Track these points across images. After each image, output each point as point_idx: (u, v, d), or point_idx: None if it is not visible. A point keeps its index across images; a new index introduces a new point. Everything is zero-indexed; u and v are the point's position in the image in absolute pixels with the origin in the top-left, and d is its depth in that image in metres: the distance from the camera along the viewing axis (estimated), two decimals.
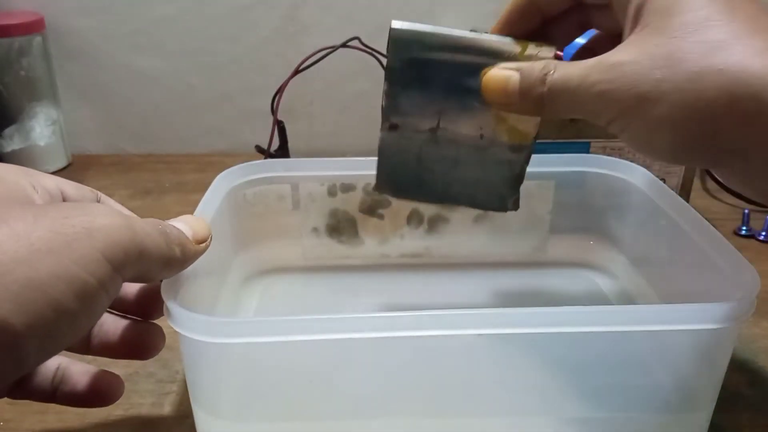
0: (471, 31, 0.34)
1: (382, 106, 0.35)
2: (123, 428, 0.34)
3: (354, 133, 0.70)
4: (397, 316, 0.27)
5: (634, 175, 0.41)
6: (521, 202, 0.37)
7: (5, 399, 0.35)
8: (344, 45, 0.59)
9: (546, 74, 0.28)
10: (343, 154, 0.71)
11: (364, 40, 0.58)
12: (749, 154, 0.24)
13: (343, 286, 0.44)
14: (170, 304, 0.27)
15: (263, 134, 0.57)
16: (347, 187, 0.42)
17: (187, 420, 0.32)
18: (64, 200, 0.26)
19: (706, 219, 0.35)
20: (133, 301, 0.30)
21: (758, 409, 0.36)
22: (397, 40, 0.34)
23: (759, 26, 0.24)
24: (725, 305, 0.28)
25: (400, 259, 0.45)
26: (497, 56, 0.32)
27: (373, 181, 0.41)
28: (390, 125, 0.35)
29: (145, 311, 0.30)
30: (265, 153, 0.60)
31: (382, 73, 0.61)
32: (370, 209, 0.43)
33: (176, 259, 0.26)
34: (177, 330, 0.27)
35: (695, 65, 0.24)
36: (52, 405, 0.34)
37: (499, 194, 0.37)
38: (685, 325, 0.29)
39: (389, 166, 0.37)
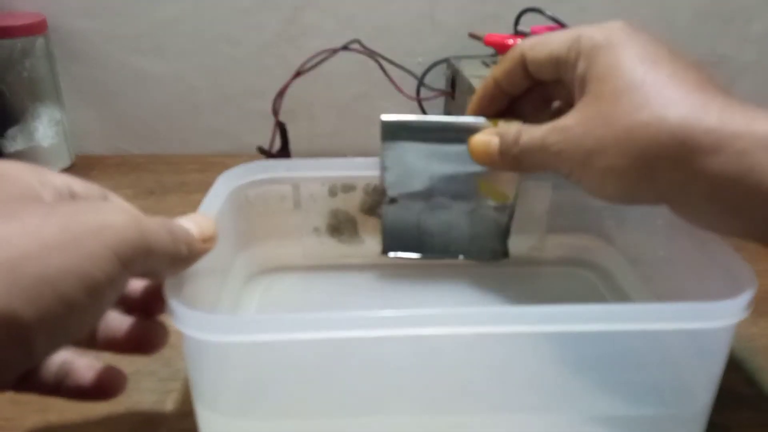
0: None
1: (382, 183, 0.41)
2: (125, 426, 0.34)
3: (354, 134, 0.71)
4: (397, 314, 0.28)
5: None
6: (520, 201, 0.42)
7: (7, 397, 0.35)
8: (345, 48, 0.59)
9: (518, 138, 0.33)
10: (344, 155, 0.71)
11: (364, 42, 0.58)
12: (687, 190, 0.28)
13: (343, 285, 0.44)
14: (173, 303, 0.27)
15: (265, 135, 0.57)
16: (348, 188, 0.43)
17: (189, 418, 0.33)
18: (72, 198, 0.27)
19: None
20: (137, 298, 0.30)
21: (757, 408, 0.36)
22: (387, 128, 0.40)
23: (678, 81, 0.28)
24: (723, 304, 0.28)
25: (399, 259, 0.45)
26: (473, 133, 0.38)
27: (373, 182, 0.42)
28: (390, 200, 0.42)
29: (149, 308, 0.30)
30: (266, 154, 0.60)
31: (381, 75, 0.62)
32: (371, 209, 0.43)
33: (182, 257, 0.27)
34: (179, 328, 0.27)
35: (627, 121, 0.28)
36: (54, 403, 0.35)
37: (491, 248, 0.43)
38: (682, 324, 0.29)
39: (393, 233, 0.43)
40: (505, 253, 0.43)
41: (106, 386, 0.29)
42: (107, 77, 0.67)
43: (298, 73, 0.58)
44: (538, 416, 0.32)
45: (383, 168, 0.41)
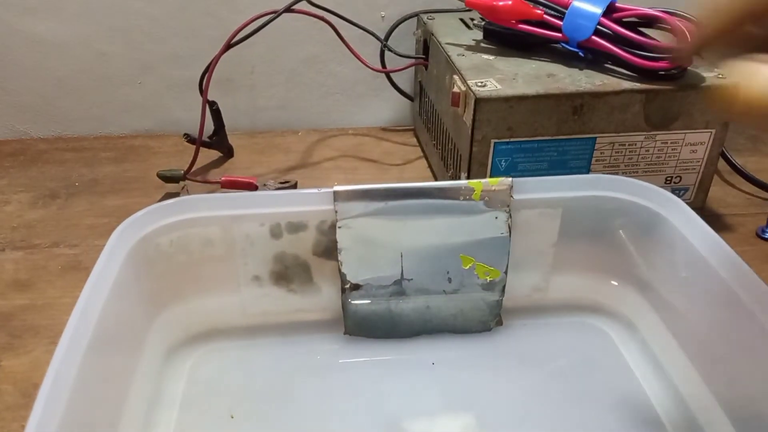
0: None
1: (339, 268, 0.34)
2: None
3: (305, 106, 0.59)
4: None
5: (665, 205, 0.33)
6: (522, 232, 0.35)
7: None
8: (288, 9, 0.47)
9: None
10: (296, 132, 0.60)
11: None
12: None
13: (297, 354, 0.34)
14: None
15: (195, 109, 0.46)
16: (296, 227, 0.33)
17: None
18: None
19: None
20: None
21: None
22: (341, 199, 0.32)
23: None
24: None
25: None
26: (451, 195, 0.32)
27: (329, 219, 0.32)
28: (352, 286, 0.34)
29: None
30: (195, 142, 0.49)
31: (333, 35, 0.50)
32: (327, 251, 0.33)
33: None
34: None
35: None
36: None
37: (480, 320, 0.36)
38: None
39: (357, 319, 0.35)
40: (498, 322, 0.36)
41: None
42: None
43: (228, 46, 0.46)
44: None
45: (340, 247, 0.33)
